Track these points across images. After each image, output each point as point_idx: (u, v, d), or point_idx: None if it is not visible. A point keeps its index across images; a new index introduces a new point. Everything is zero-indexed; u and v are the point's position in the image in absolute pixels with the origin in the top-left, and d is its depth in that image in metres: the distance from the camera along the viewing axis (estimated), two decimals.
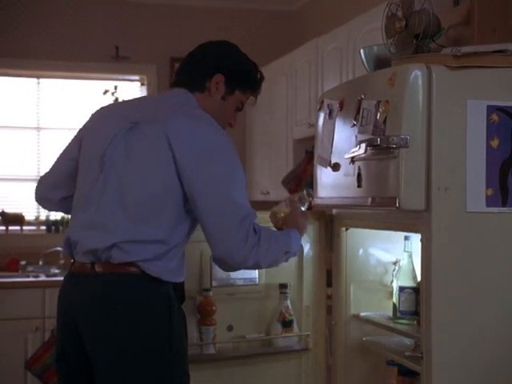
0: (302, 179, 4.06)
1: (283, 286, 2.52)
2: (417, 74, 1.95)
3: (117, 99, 4.90)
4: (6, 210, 4.84)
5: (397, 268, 2.49)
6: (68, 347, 2.06)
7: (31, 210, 4.98)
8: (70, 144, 2.23)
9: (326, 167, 2.38)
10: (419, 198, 1.95)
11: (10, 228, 4.85)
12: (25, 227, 4.90)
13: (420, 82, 1.95)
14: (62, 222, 4.89)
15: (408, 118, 1.95)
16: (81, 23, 4.93)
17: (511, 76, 1.99)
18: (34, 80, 5.00)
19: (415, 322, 2.31)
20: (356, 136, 2.16)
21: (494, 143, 1.98)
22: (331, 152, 2.35)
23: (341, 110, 2.31)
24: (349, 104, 2.25)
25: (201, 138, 1.98)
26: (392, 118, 1.99)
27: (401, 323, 2.35)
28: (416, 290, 2.32)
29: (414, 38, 2.14)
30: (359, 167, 2.16)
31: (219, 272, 2.32)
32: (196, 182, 1.96)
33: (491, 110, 1.98)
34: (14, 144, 5.00)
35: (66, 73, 5.00)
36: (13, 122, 4.99)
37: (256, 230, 1.99)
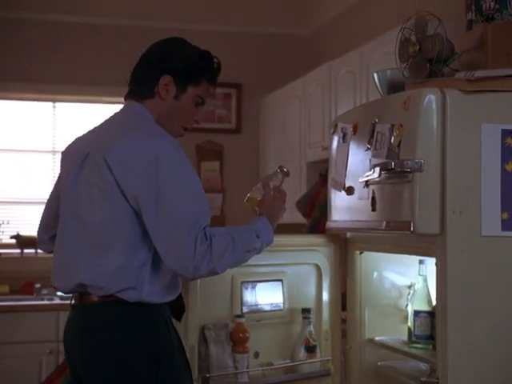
0: (315, 202, 4.06)
1: (306, 311, 2.49)
2: (431, 98, 1.96)
3: None
4: (21, 233, 4.87)
5: (412, 292, 2.48)
6: (73, 373, 2.11)
7: None
8: (55, 184, 2.27)
9: (340, 191, 2.38)
10: (434, 222, 1.95)
11: (25, 251, 4.87)
12: (39, 250, 4.92)
13: (434, 106, 1.95)
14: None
15: (422, 141, 1.95)
16: (95, 48, 4.98)
17: None
18: (50, 104, 5.05)
19: (431, 346, 2.29)
20: (370, 160, 2.16)
21: (509, 167, 1.98)
22: (345, 175, 2.35)
23: (354, 133, 2.32)
24: (362, 128, 2.26)
25: (139, 155, 1.92)
26: (406, 141, 1.99)
27: (416, 348, 2.34)
28: (431, 314, 2.31)
29: (428, 63, 2.15)
30: (373, 191, 2.16)
31: (248, 297, 2.31)
32: (141, 199, 1.92)
33: (506, 133, 1.98)
34: (30, 167, 5.04)
35: (81, 97, 5.04)
36: (29, 146, 5.03)
37: (207, 235, 1.90)
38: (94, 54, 4.98)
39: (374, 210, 2.16)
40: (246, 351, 2.36)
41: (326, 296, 2.56)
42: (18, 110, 5.02)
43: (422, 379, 2.06)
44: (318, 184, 4.09)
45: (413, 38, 2.21)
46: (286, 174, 2.22)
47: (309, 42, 5.23)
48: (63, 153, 2.24)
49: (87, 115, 5.04)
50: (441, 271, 1.97)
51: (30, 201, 5.01)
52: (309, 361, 2.49)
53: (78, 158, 2.06)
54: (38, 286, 4.70)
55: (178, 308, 2.13)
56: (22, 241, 4.84)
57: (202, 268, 1.89)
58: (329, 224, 2.53)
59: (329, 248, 2.55)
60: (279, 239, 2.21)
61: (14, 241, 4.82)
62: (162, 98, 2.09)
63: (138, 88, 2.12)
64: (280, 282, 2.48)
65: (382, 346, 2.45)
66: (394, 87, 2.33)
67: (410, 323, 2.39)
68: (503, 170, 1.97)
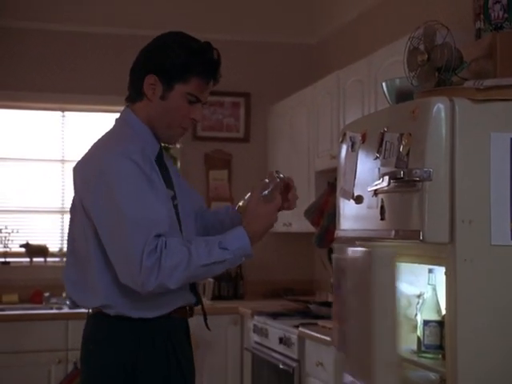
0: (324, 211, 4.06)
1: None
2: (440, 107, 1.96)
3: None
4: (31, 242, 4.89)
5: (421, 301, 2.47)
6: None
7: (55, 242, 5.02)
8: None
9: (348, 200, 2.38)
10: (443, 231, 1.95)
11: (35, 260, 4.89)
12: (49, 259, 4.93)
13: (443, 114, 1.95)
14: None
15: (431, 150, 1.95)
16: (104, 57, 5.00)
17: None
18: (59, 113, 5.07)
19: (440, 356, 2.28)
20: (379, 169, 2.16)
21: None
22: (354, 184, 2.35)
23: (363, 142, 2.32)
24: (371, 137, 2.26)
25: (88, 171, 1.92)
26: (415, 150, 1.99)
27: (425, 357, 2.32)
28: (441, 323, 2.30)
29: (437, 71, 2.15)
30: (382, 200, 2.16)
31: None
32: (93, 215, 1.90)
33: None
34: (39, 176, 5.06)
35: (90, 106, 5.07)
36: (38, 155, 5.05)
37: (158, 247, 1.80)
38: (102, 63, 5.00)
39: (382, 218, 2.15)
40: None
41: None
42: (27, 119, 5.05)
43: None
44: (327, 193, 4.09)
45: (421, 47, 2.21)
46: (282, 180, 1.99)
47: (317, 51, 5.24)
48: None
49: (96, 124, 5.06)
50: (450, 280, 1.96)
51: (39, 210, 5.02)
52: None
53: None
54: (46, 294, 4.71)
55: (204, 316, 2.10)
56: (31, 249, 4.86)
57: (149, 283, 1.80)
58: (337, 233, 2.53)
59: None
60: None
61: (23, 249, 4.84)
62: (149, 99, 1.98)
63: (130, 91, 2.05)
64: None
65: None
66: (402, 96, 2.34)
67: (419, 333, 2.37)
68: None
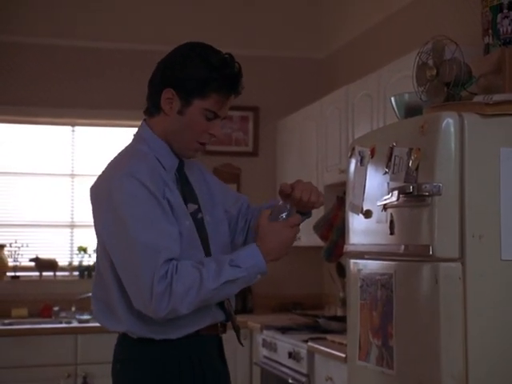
0: (333, 225, 4.06)
1: None
2: (449, 122, 1.96)
3: None
4: (40, 256, 4.90)
5: None
6: None
7: (64, 256, 5.03)
8: None
9: (358, 214, 2.38)
10: (453, 246, 1.95)
11: (44, 274, 4.90)
12: (58, 273, 4.94)
13: (452, 129, 1.95)
14: (94, 267, 4.91)
15: (440, 165, 1.95)
16: (114, 72, 5.03)
17: None
18: (69, 128, 5.10)
19: None
20: (388, 183, 2.16)
21: None
22: (363, 199, 2.35)
23: (372, 157, 2.32)
24: (380, 151, 2.26)
25: (99, 193, 1.88)
26: (424, 165, 1.99)
27: None
28: None
29: (445, 86, 2.16)
30: (391, 214, 2.16)
31: None
32: (104, 237, 1.88)
33: None
34: (49, 190, 5.08)
35: (100, 121, 5.09)
36: (47, 169, 5.08)
37: (168, 272, 1.75)
38: (112, 78, 5.03)
39: (392, 233, 2.15)
40: None
41: None
42: (37, 134, 5.08)
43: None
44: (336, 207, 4.09)
45: (430, 62, 2.22)
46: (291, 207, 1.95)
47: (325, 65, 5.26)
48: None
49: (106, 139, 5.09)
50: (461, 295, 1.95)
51: (48, 224, 5.04)
52: None
53: None
54: (56, 308, 4.71)
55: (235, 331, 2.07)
56: (40, 264, 4.87)
57: (160, 310, 1.76)
58: (347, 247, 2.52)
59: None
60: None
61: (32, 264, 4.85)
62: (166, 114, 1.91)
63: (148, 105, 1.98)
64: None
65: None
66: (411, 111, 2.34)
67: None
68: None
